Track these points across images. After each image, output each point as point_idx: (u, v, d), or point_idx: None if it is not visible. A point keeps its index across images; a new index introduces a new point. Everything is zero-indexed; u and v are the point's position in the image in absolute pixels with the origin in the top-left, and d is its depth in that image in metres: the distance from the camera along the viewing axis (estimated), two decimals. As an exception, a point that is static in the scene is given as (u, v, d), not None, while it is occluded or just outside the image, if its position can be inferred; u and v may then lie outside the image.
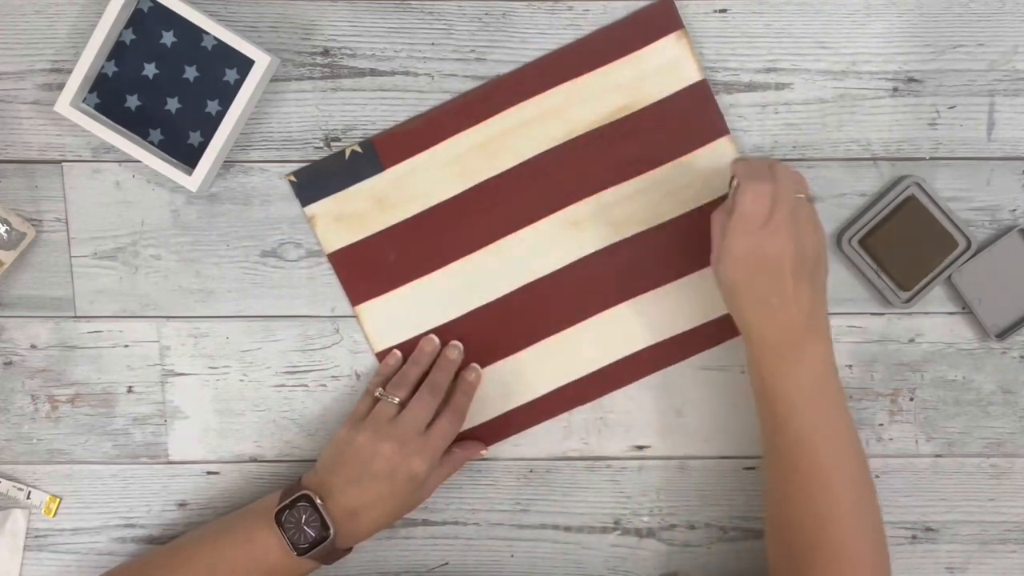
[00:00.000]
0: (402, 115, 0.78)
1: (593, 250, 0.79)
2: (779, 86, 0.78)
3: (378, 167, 0.78)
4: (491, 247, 0.79)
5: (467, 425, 0.80)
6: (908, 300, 0.78)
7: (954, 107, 0.78)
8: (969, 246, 0.78)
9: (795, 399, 0.69)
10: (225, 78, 0.77)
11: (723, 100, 0.78)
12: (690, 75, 0.77)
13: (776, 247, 0.67)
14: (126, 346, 0.80)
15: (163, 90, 0.77)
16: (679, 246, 0.78)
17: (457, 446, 0.78)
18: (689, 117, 0.78)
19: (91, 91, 0.77)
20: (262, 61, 0.74)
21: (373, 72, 0.78)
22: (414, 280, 0.79)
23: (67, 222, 0.79)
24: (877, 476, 0.81)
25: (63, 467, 0.81)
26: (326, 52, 0.78)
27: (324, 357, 0.80)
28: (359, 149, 0.78)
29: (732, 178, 0.71)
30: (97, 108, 0.77)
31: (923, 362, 0.80)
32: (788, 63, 0.78)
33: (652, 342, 0.80)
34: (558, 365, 0.80)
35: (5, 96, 0.78)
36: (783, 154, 0.78)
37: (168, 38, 0.76)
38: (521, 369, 0.80)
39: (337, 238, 0.79)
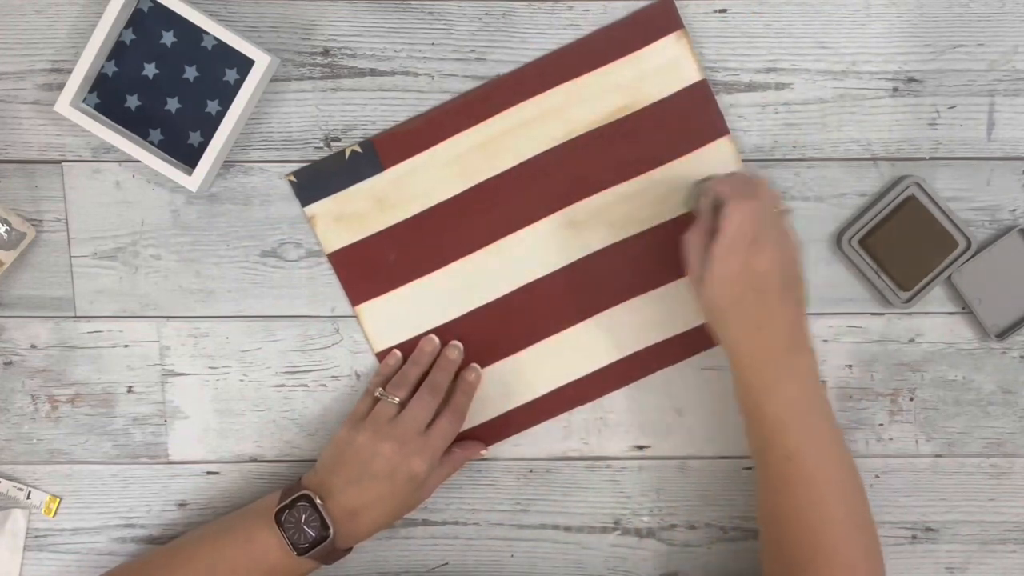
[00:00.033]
0: (402, 115, 0.78)
1: (593, 250, 0.79)
2: (779, 86, 0.78)
3: (378, 167, 0.78)
4: (491, 247, 0.79)
5: (467, 425, 0.80)
6: (908, 300, 0.78)
7: (954, 107, 0.78)
8: (969, 246, 0.78)
9: (784, 415, 0.69)
10: (225, 78, 0.77)
11: (723, 100, 0.78)
12: (690, 75, 0.77)
13: (765, 264, 0.67)
14: (126, 346, 0.80)
15: (163, 90, 0.77)
16: (679, 246, 0.78)
17: (457, 446, 0.78)
18: (689, 117, 0.78)
19: (91, 91, 0.77)
20: (262, 61, 0.74)
21: (373, 72, 0.78)
22: (414, 280, 0.79)
23: (67, 222, 0.79)
24: (877, 476, 0.81)
25: (63, 467, 0.81)
26: (326, 52, 0.78)
27: (324, 357, 0.80)
28: (359, 149, 0.78)
29: (699, 197, 0.72)
30: (97, 108, 0.77)
31: (923, 362, 0.80)
32: (788, 63, 0.78)
33: (652, 342, 0.80)
34: (558, 365, 0.80)
35: (5, 96, 0.78)
36: (783, 154, 0.78)
37: (168, 38, 0.76)
38: (521, 369, 0.80)
39: (337, 238, 0.79)
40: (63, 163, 0.79)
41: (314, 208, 0.79)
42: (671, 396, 0.80)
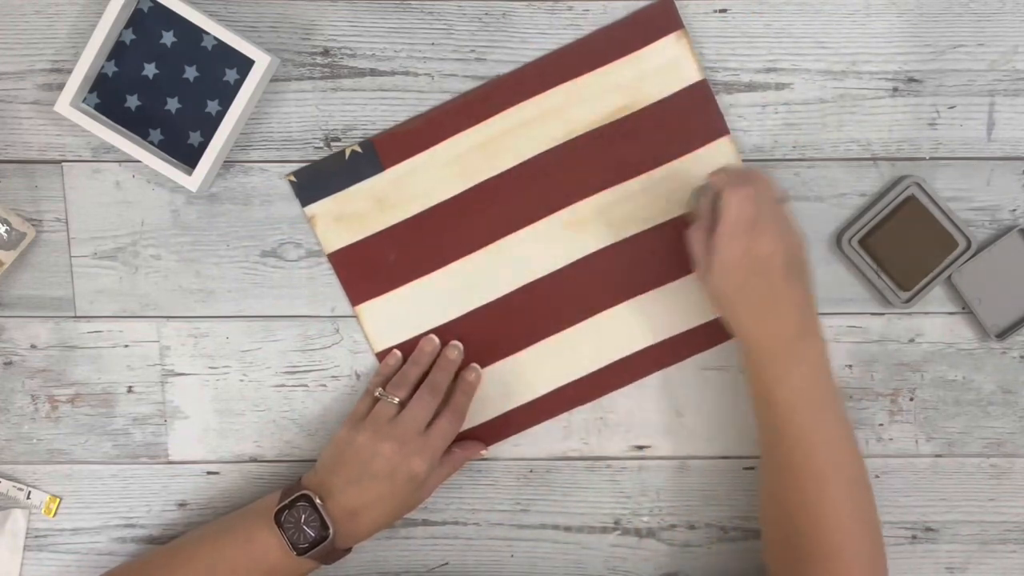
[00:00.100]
0: (402, 115, 0.78)
1: (593, 250, 0.79)
2: (779, 86, 0.78)
3: (378, 167, 0.78)
4: (491, 247, 0.79)
5: (467, 425, 0.80)
6: (908, 300, 0.78)
7: (954, 107, 0.78)
8: (969, 246, 0.78)
9: (794, 400, 0.69)
10: (225, 78, 0.77)
11: (723, 100, 0.78)
12: (690, 75, 0.77)
13: (766, 247, 0.68)
14: (126, 346, 0.80)
15: (163, 90, 0.77)
16: (679, 246, 0.78)
17: (457, 446, 0.78)
18: (689, 117, 0.78)
19: (91, 91, 0.77)
20: (262, 61, 0.74)
21: (373, 72, 0.78)
22: (414, 280, 0.79)
23: (67, 222, 0.79)
24: (877, 476, 0.81)
25: (63, 467, 0.81)
26: (326, 52, 0.78)
27: (324, 357, 0.80)
28: (359, 149, 0.78)
29: (695, 195, 0.73)
30: (97, 108, 0.77)
31: (923, 362, 0.80)
32: (788, 63, 0.78)
33: (652, 342, 0.80)
34: (558, 365, 0.80)
35: (5, 96, 0.78)
36: (783, 154, 0.78)
37: (168, 38, 0.76)
38: (521, 369, 0.80)
39: (337, 238, 0.79)
40: (63, 163, 0.79)
41: (314, 208, 0.79)
42: (671, 396, 0.80)
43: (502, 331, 0.80)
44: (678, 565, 0.82)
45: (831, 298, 0.79)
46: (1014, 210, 0.79)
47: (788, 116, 0.78)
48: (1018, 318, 0.79)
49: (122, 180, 0.79)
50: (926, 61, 0.78)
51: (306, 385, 0.80)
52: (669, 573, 0.82)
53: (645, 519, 0.82)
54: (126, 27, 0.76)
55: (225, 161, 0.78)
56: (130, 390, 0.80)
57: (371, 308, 0.79)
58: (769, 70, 0.78)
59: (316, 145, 0.78)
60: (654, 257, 0.79)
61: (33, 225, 0.79)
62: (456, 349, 0.79)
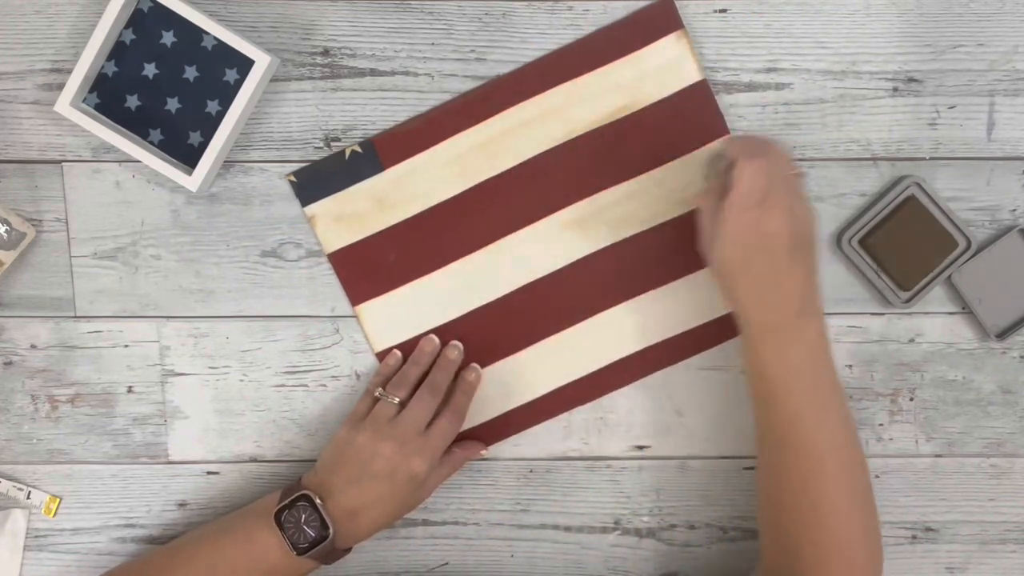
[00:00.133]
0: (402, 115, 0.78)
1: (593, 250, 0.79)
2: (779, 86, 0.78)
3: (378, 167, 0.78)
4: (491, 247, 0.79)
5: (467, 425, 0.80)
6: (908, 300, 0.78)
7: (954, 107, 0.78)
8: (969, 246, 0.78)
9: (791, 378, 0.69)
10: (225, 78, 0.77)
11: (723, 100, 0.78)
12: (690, 75, 0.77)
13: (774, 224, 0.66)
14: (126, 346, 0.80)
15: (163, 90, 0.77)
16: (679, 246, 0.78)
17: (457, 446, 0.78)
18: (689, 117, 0.78)
19: (91, 91, 0.77)
20: (262, 61, 0.74)
21: (373, 72, 0.78)
22: (414, 280, 0.79)
23: (67, 222, 0.79)
24: (877, 476, 0.81)
25: (63, 467, 0.81)
26: (326, 52, 0.78)
27: (324, 357, 0.80)
28: (359, 149, 0.78)
29: (712, 162, 0.72)
30: (97, 108, 0.77)
31: (923, 362, 0.80)
32: (788, 63, 0.78)
33: (652, 342, 0.80)
34: (558, 365, 0.80)
35: (5, 96, 0.78)
36: (783, 154, 0.78)
37: (168, 38, 0.76)
38: (521, 369, 0.80)
39: (337, 238, 0.79)
40: (63, 163, 0.79)
41: (314, 208, 0.79)
42: (671, 396, 0.80)
43: (502, 331, 0.80)
44: (678, 565, 0.82)
45: (831, 298, 0.79)
46: (1014, 210, 0.79)
47: (788, 116, 0.78)
48: (1018, 318, 0.79)
49: (122, 180, 0.79)
50: (926, 61, 0.78)
51: (306, 385, 0.80)
52: (669, 573, 0.82)
53: (645, 519, 0.82)
54: (126, 27, 0.76)
55: (225, 161, 0.78)
56: (130, 390, 0.80)
57: (371, 308, 0.79)
58: (769, 70, 0.78)
59: (316, 145, 0.78)
60: (654, 257, 0.79)
61: (33, 225, 0.79)
62: (456, 349, 0.79)
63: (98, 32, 0.74)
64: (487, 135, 0.78)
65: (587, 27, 0.77)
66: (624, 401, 0.80)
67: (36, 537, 0.82)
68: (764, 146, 0.68)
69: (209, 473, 0.81)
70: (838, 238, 0.78)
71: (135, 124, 0.77)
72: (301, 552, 0.71)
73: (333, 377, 0.80)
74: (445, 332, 0.80)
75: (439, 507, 0.81)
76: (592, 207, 0.79)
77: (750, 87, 0.78)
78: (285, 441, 0.81)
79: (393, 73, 0.78)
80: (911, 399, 0.80)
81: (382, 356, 0.80)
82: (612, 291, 0.79)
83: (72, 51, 0.77)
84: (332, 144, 0.78)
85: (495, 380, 0.80)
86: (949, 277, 0.78)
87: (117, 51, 0.76)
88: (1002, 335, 0.79)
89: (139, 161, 0.76)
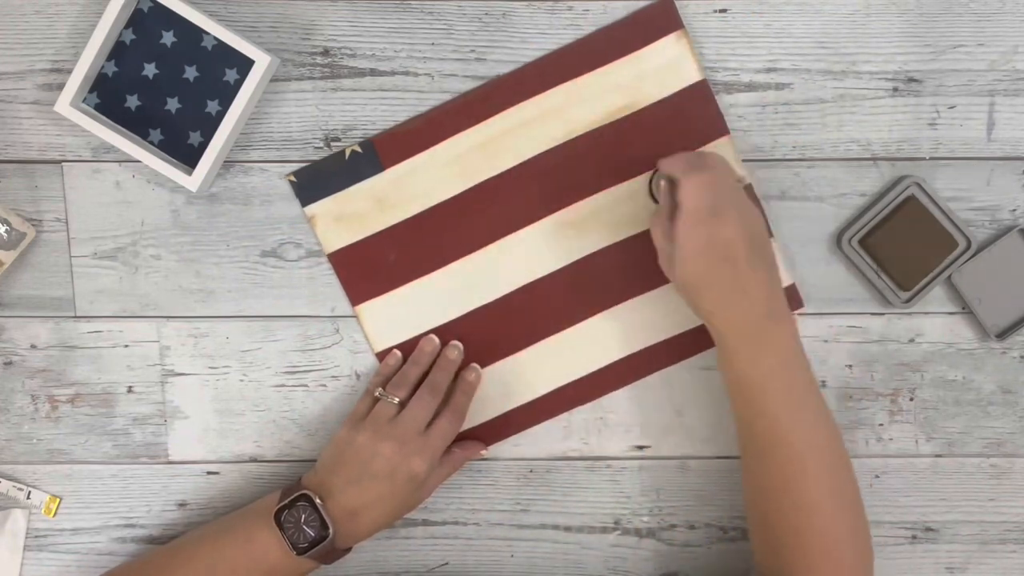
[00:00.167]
0: (402, 115, 0.78)
1: (593, 250, 0.79)
2: (779, 86, 0.78)
3: (378, 167, 0.78)
4: (491, 247, 0.79)
5: (467, 425, 0.80)
6: (908, 300, 0.78)
7: (954, 107, 0.78)
8: (969, 246, 0.78)
9: (766, 382, 0.69)
10: (225, 78, 0.77)
11: (723, 100, 0.78)
12: (690, 75, 0.77)
13: (728, 232, 0.67)
14: (126, 346, 0.80)
15: (163, 90, 0.77)
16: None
17: (457, 446, 0.78)
18: (689, 117, 0.78)
19: (91, 91, 0.77)
20: (262, 61, 0.74)
21: (373, 72, 0.78)
22: (414, 280, 0.79)
23: (67, 222, 0.79)
24: (877, 476, 0.81)
25: (63, 467, 0.81)
26: (326, 52, 0.78)
27: (324, 357, 0.80)
28: (359, 149, 0.78)
29: (651, 181, 0.74)
30: (97, 108, 0.77)
31: (923, 362, 0.80)
32: (788, 63, 0.78)
33: (652, 342, 0.80)
34: (558, 365, 0.80)
35: (5, 96, 0.78)
36: (783, 154, 0.78)
37: (168, 38, 0.76)
38: (521, 369, 0.80)
39: (337, 238, 0.79)
40: (63, 163, 0.79)
41: (314, 208, 0.79)
42: (671, 396, 0.80)
43: (502, 331, 0.80)
44: (678, 565, 0.82)
45: (831, 298, 0.80)
46: (1014, 210, 0.79)
47: (788, 116, 0.78)
48: (1018, 318, 0.79)
49: (122, 180, 0.79)
50: (926, 61, 0.78)
51: (306, 385, 0.80)
52: (669, 573, 0.82)
53: (645, 519, 0.82)
54: (126, 27, 0.76)
55: (225, 161, 0.78)
56: (130, 390, 0.80)
57: (371, 308, 0.79)
58: (769, 70, 0.78)
59: (316, 145, 0.78)
60: (654, 257, 0.79)
61: (33, 225, 0.79)
62: (456, 349, 0.79)
63: (98, 32, 0.74)
64: (487, 135, 0.78)
65: (587, 27, 0.77)
66: (624, 401, 0.80)
67: (36, 537, 0.82)
68: (704, 160, 0.70)
69: (209, 473, 0.81)
70: (838, 238, 0.78)
71: (135, 124, 0.77)
72: (301, 552, 0.71)
73: (333, 377, 0.80)
74: (445, 332, 0.80)
75: (439, 507, 0.81)
76: (592, 207, 0.79)
77: (750, 87, 0.78)
78: (285, 441, 0.81)
79: (393, 73, 0.78)
80: (911, 399, 0.80)
81: (382, 356, 0.80)
82: (612, 291, 0.79)
83: (72, 51, 0.77)
84: (332, 144, 0.78)
85: (495, 380, 0.80)
86: (949, 277, 0.78)
87: (117, 51, 0.76)
88: (1002, 335, 0.79)
89: (139, 161, 0.76)
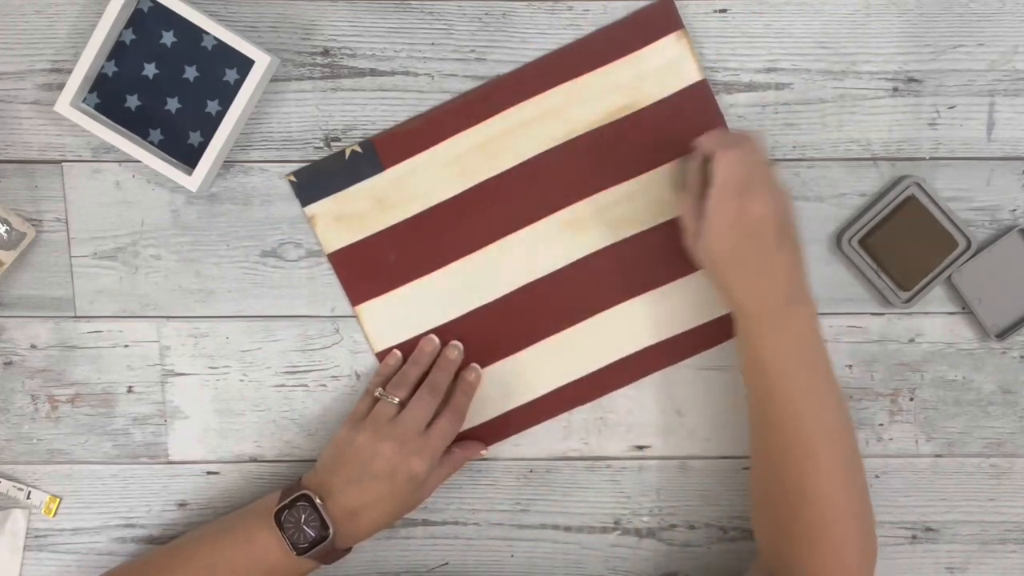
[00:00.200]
0: (402, 115, 0.78)
1: (593, 250, 0.79)
2: (779, 86, 0.78)
3: (378, 167, 0.78)
4: (491, 247, 0.79)
5: (467, 425, 0.80)
6: (908, 300, 0.78)
7: (954, 107, 0.78)
8: (969, 246, 0.78)
9: (784, 363, 0.69)
10: (225, 78, 0.77)
11: (723, 100, 0.78)
12: (690, 75, 0.77)
13: (759, 208, 0.67)
14: (126, 346, 0.80)
15: (163, 90, 0.77)
16: (679, 246, 0.78)
17: (457, 446, 0.78)
18: (689, 117, 0.78)
19: (91, 91, 0.77)
20: (262, 61, 0.74)
21: (373, 72, 0.78)
22: (414, 280, 0.79)
23: (67, 222, 0.79)
24: (877, 476, 0.81)
25: (63, 467, 0.81)
26: (326, 52, 0.78)
27: (324, 357, 0.80)
28: (359, 149, 0.78)
29: (681, 164, 0.74)
30: (97, 108, 0.77)
31: (923, 362, 0.80)
32: (788, 63, 0.78)
33: (652, 342, 0.80)
34: (558, 365, 0.80)
35: (5, 96, 0.78)
36: (783, 154, 0.78)
37: (168, 38, 0.76)
38: (521, 369, 0.80)
39: (337, 238, 0.79)
40: (63, 163, 0.79)
41: (314, 208, 0.79)
42: (671, 396, 0.80)
43: (502, 331, 0.80)
44: (678, 565, 0.82)
45: (831, 298, 0.80)
46: (1014, 210, 0.79)
47: (788, 116, 0.78)
48: (1018, 318, 0.79)
49: (122, 180, 0.79)
50: (926, 61, 0.78)
51: (306, 385, 0.80)
52: (669, 573, 0.82)
53: (645, 519, 0.82)
54: (126, 27, 0.76)
55: (225, 161, 0.78)
56: (130, 390, 0.80)
57: (371, 308, 0.79)
58: (769, 70, 0.78)
59: (316, 145, 0.78)
60: (654, 257, 0.79)
61: (33, 225, 0.79)
62: (456, 349, 0.79)
63: (98, 32, 0.74)
64: (487, 135, 0.78)
65: (587, 27, 0.77)
66: (624, 401, 0.80)
67: (36, 537, 0.82)
68: (738, 137, 0.70)
69: (209, 473, 0.81)
70: (838, 238, 0.78)
71: (135, 124, 0.77)
72: (301, 552, 0.71)
73: (333, 377, 0.80)
74: (445, 332, 0.80)
75: (439, 507, 0.81)
76: (592, 207, 0.79)
77: (750, 87, 0.78)
78: (285, 441, 0.81)
79: (393, 73, 0.78)
80: (911, 399, 0.80)
81: (382, 356, 0.80)
82: (612, 291, 0.79)
83: (72, 51, 0.77)
84: (332, 144, 0.78)
85: (495, 380, 0.80)
86: (949, 277, 0.78)
87: (117, 51, 0.76)
88: (1002, 335, 0.79)
89: (139, 161, 0.76)
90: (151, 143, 0.77)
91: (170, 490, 0.81)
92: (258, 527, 0.73)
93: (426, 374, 0.78)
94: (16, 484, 0.81)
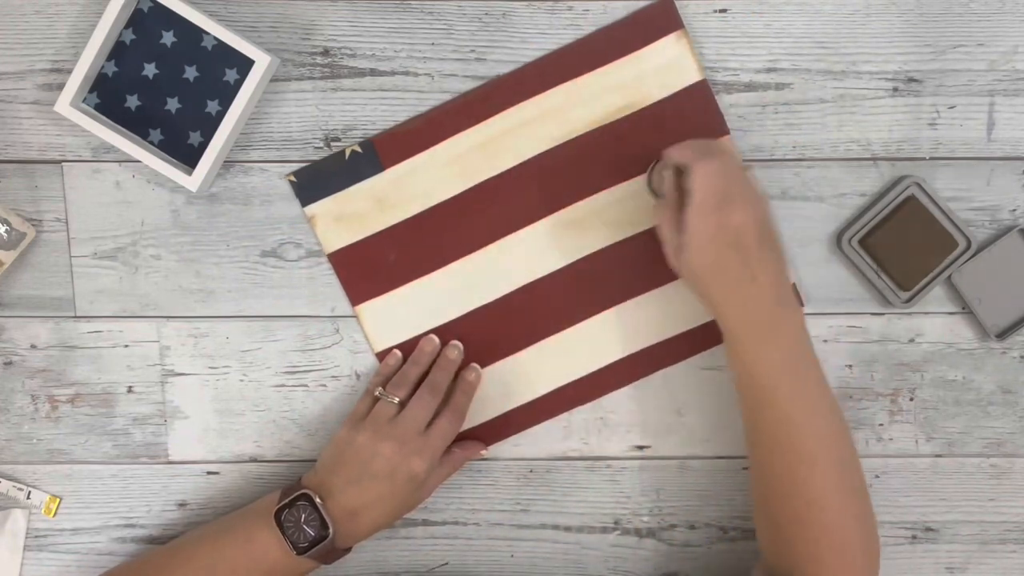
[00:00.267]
0: (402, 115, 0.78)
1: (593, 250, 0.79)
2: (779, 86, 0.78)
3: (378, 167, 0.78)
4: (491, 247, 0.79)
5: (467, 425, 0.80)
6: (908, 300, 0.78)
7: (954, 107, 0.78)
8: (969, 246, 0.78)
9: (776, 373, 0.69)
10: (225, 78, 0.77)
11: (723, 100, 0.78)
12: (690, 75, 0.77)
13: (739, 218, 0.67)
14: (126, 346, 0.80)
15: (163, 90, 0.77)
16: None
17: (457, 446, 0.78)
18: (689, 117, 0.78)
19: (91, 91, 0.77)
20: (262, 61, 0.74)
21: (373, 72, 0.78)
22: (414, 280, 0.79)
23: (67, 222, 0.79)
24: (877, 476, 0.81)
25: (63, 467, 0.81)
26: (326, 52, 0.78)
27: (324, 357, 0.80)
28: (359, 149, 0.78)
29: (650, 173, 0.74)
30: (97, 108, 0.77)
31: (923, 362, 0.80)
32: (788, 63, 0.78)
33: (652, 342, 0.80)
34: (558, 365, 0.80)
35: (5, 96, 0.78)
36: (783, 154, 0.78)
37: (168, 38, 0.76)
38: (521, 369, 0.80)
39: (337, 238, 0.79)
40: (63, 163, 0.79)
41: (314, 208, 0.79)
42: (671, 396, 0.80)
43: (502, 331, 0.80)
44: (678, 565, 0.82)
45: (831, 298, 0.80)
46: (1014, 210, 0.79)
47: (788, 116, 0.78)
48: (1018, 318, 0.79)
49: (122, 180, 0.79)
50: (926, 61, 0.78)
51: (306, 385, 0.80)
52: (669, 573, 0.82)
53: (645, 519, 0.82)
54: (126, 27, 0.76)
55: (225, 161, 0.78)
56: (130, 390, 0.80)
57: (371, 308, 0.79)
58: (769, 70, 0.78)
59: (316, 145, 0.78)
60: (654, 257, 0.79)
61: (33, 225, 0.79)
62: (456, 349, 0.79)
63: (98, 32, 0.74)
64: (487, 135, 0.78)
65: (587, 27, 0.77)
66: (624, 401, 0.80)
67: (36, 537, 0.82)
68: (711, 147, 0.69)
69: (209, 473, 0.81)
70: (838, 238, 0.78)
71: (135, 124, 0.77)
72: (301, 552, 0.71)
73: (333, 377, 0.80)
74: (445, 332, 0.80)
75: (439, 507, 0.81)
76: (592, 207, 0.79)
77: (750, 87, 0.78)
78: (285, 441, 0.81)
79: (393, 73, 0.78)
80: (911, 399, 0.80)
81: (382, 356, 0.80)
82: (612, 291, 0.79)
83: (72, 51, 0.77)
84: (332, 144, 0.78)
85: (495, 380, 0.80)
86: (949, 277, 0.78)
87: (117, 51, 0.76)
88: (1002, 335, 0.79)
89: (139, 161, 0.76)
90: (151, 143, 0.77)
91: (170, 490, 0.81)
92: (258, 527, 0.73)
93: (426, 374, 0.78)
94: (16, 484, 0.81)
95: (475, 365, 0.80)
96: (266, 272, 0.79)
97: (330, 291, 0.80)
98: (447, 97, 0.78)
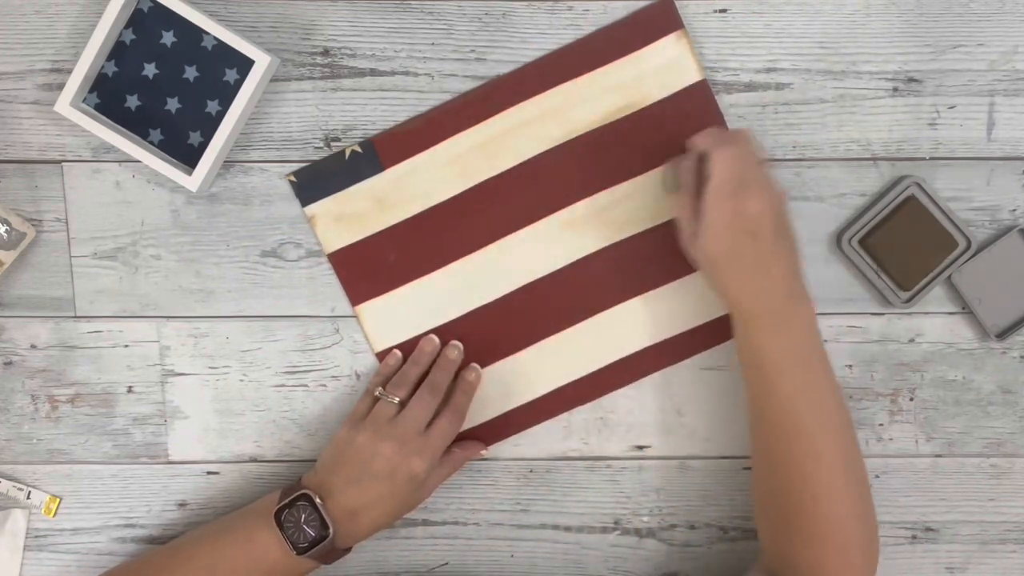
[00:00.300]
0: (402, 115, 0.78)
1: (593, 250, 0.79)
2: (779, 86, 0.78)
3: (378, 167, 0.78)
4: (491, 247, 0.79)
5: (467, 425, 0.80)
6: (908, 300, 0.78)
7: (954, 107, 0.78)
8: (969, 246, 0.78)
9: (783, 362, 0.69)
10: (225, 78, 0.77)
11: (723, 100, 0.78)
12: (690, 75, 0.77)
13: (756, 206, 0.67)
14: (126, 346, 0.80)
15: (163, 90, 0.77)
16: (678, 246, 0.78)
17: (457, 446, 0.78)
18: (689, 117, 0.78)
19: (91, 91, 0.77)
20: (262, 61, 0.74)
21: (373, 72, 0.78)
22: (414, 280, 0.79)
23: (67, 222, 0.79)
24: (877, 476, 0.81)
25: (63, 467, 0.81)
26: (326, 52, 0.78)
27: (324, 357, 0.80)
28: (359, 149, 0.78)
29: (672, 165, 0.73)
30: (97, 108, 0.77)
31: (923, 362, 0.80)
32: (788, 63, 0.78)
33: (652, 342, 0.80)
34: (558, 365, 0.80)
35: (5, 96, 0.78)
36: (783, 154, 0.78)
37: (168, 38, 0.76)
38: (521, 369, 0.80)
39: (337, 238, 0.79)
40: (63, 163, 0.79)
41: (314, 208, 0.79)
42: (671, 396, 0.80)
43: (502, 331, 0.80)
44: (678, 565, 0.82)
45: (831, 298, 0.80)
46: (1014, 210, 0.79)
47: (788, 116, 0.78)
48: (1018, 318, 0.79)
49: (122, 180, 0.79)
50: (926, 61, 0.78)
51: (306, 385, 0.80)
52: (669, 573, 0.82)
53: (645, 519, 0.82)
54: (126, 27, 0.76)
55: (225, 161, 0.78)
56: (130, 390, 0.80)
57: (371, 308, 0.79)
58: (769, 70, 0.78)
59: (316, 145, 0.78)
60: (654, 257, 0.79)
61: (33, 225, 0.79)
62: (456, 349, 0.79)
63: (98, 32, 0.74)
64: (487, 135, 0.78)
65: (587, 27, 0.77)
66: (624, 401, 0.80)
67: (36, 537, 0.82)
68: (732, 135, 0.70)
69: (209, 473, 0.81)
70: (838, 238, 0.78)
71: (135, 124, 0.77)
72: (301, 552, 0.71)
73: (333, 377, 0.80)
74: (445, 332, 0.80)
75: (439, 507, 0.81)
76: (592, 207, 0.79)
77: (750, 87, 0.78)
78: (285, 441, 0.81)
79: (393, 73, 0.78)
80: (911, 399, 0.80)
81: (382, 356, 0.80)
82: (612, 291, 0.79)
83: (72, 51, 0.77)
84: (332, 144, 0.78)
85: (495, 380, 0.80)
86: (949, 277, 0.78)
87: (117, 51, 0.76)
88: (1002, 335, 0.79)
89: (139, 161, 0.76)
90: (151, 143, 0.77)
91: (170, 490, 0.81)
92: (258, 527, 0.73)
93: (426, 374, 0.78)
94: (16, 484, 0.81)
95: (475, 365, 0.80)
96: (266, 272, 0.79)
97: (330, 291, 0.80)
98: (447, 97, 0.78)
